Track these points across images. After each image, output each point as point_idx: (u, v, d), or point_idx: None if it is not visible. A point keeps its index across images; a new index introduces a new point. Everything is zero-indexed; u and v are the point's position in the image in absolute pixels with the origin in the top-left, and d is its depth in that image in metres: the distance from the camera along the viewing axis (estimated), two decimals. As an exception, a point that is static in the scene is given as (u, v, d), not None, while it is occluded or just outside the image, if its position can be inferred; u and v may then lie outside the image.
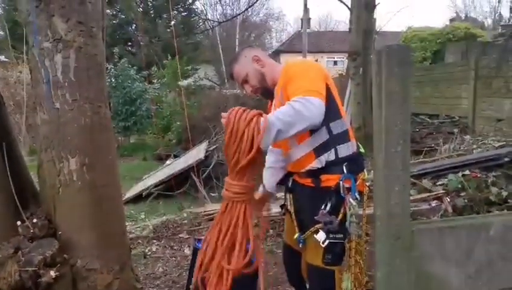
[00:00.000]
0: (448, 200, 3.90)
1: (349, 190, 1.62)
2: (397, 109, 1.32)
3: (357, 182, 1.65)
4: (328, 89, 1.61)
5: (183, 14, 22.27)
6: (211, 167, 5.97)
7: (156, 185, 5.62)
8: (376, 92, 1.36)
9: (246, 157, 1.43)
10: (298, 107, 1.44)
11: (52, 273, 1.59)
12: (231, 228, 1.51)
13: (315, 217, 1.62)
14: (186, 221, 4.25)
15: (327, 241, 1.61)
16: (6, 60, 11.54)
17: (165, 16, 20.41)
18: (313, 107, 1.45)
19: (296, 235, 1.79)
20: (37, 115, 1.74)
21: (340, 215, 1.62)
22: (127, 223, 3.57)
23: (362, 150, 1.80)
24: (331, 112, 1.62)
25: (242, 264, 1.49)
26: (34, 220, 1.73)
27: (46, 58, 1.65)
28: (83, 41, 1.69)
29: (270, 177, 1.95)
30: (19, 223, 1.73)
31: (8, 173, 1.75)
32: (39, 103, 1.71)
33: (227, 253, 1.52)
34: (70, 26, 1.65)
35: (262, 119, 1.42)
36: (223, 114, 1.51)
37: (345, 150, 1.67)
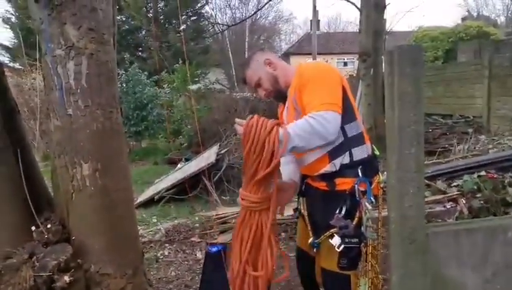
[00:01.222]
0: (464, 201, 3.82)
1: (364, 193, 1.60)
2: (410, 110, 1.30)
3: (372, 186, 1.63)
4: (343, 91, 1.60)
5: (192, 18, 22.46)
6: (222, 170, 5.96)
7: (167, 189, 5.63)
8: (388, 93, 1.34)
9: (265, 171, 1.43)
10: (315, 125, 1.46)
11: (66, 278, 1.60)
12: (252, 236, 1.53)
13: (330, 222, 1.60)
14: (198, 225, 4.26)
15: (342, 245, 1.59)
16: (21, 67, 11.77)
17: (174, 21, 20.60)
18: (329, 125, 1.47)
19: (310, 240, 1.77)
20: (50, 121, 1.76)
21: (356, 220, 1.60)
22: (139, 227, 3.59)
23: (377, 152, 1.78)
24: (347, 114, 1.60)
25: (270, 271, 1.52)
26: (48, 226, 1.75)
27: (59, 65, 1.67)
28: (94, 48, 1.70)
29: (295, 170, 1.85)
30: (33, 228, 1.75)
31: (23, 179, 1.77)
32: (52, 110, 1.73)
33: (252, 261, 1.54)
34: (82, 33, 1.67)
35: (281, 130, 1.42)
36: (238, 120, 1.50)
37: (360, 152, 1.65)
